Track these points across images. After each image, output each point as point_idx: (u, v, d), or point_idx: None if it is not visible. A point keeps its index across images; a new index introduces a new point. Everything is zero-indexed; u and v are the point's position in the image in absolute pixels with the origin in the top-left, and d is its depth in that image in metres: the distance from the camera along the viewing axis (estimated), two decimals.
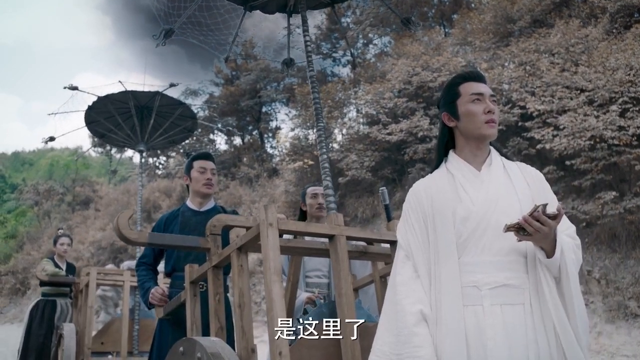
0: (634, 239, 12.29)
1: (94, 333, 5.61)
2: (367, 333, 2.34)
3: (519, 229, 1.76)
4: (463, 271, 1.84)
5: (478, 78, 2.07)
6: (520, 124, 14.22)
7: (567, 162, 12.84)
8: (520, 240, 1.80)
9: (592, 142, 12.26)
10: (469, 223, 1.87)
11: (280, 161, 26.57)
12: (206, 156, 3.75)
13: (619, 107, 12.43)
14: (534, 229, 1.72)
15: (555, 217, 1.74)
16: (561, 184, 13.51)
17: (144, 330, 5.30)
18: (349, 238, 2.27)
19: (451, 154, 2.07)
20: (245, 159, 29.78)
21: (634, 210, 11.75)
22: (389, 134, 17.50)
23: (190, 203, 3.70)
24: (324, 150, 2.60)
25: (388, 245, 2.53)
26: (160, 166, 35.73)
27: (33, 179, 47.26)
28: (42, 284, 6.28)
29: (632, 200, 11.84)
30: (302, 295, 3.46)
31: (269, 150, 31.79)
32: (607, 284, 12.03)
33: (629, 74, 12.83)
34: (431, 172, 2.13)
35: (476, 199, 1.91)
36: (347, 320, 2.12)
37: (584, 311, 1.78)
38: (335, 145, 21.36)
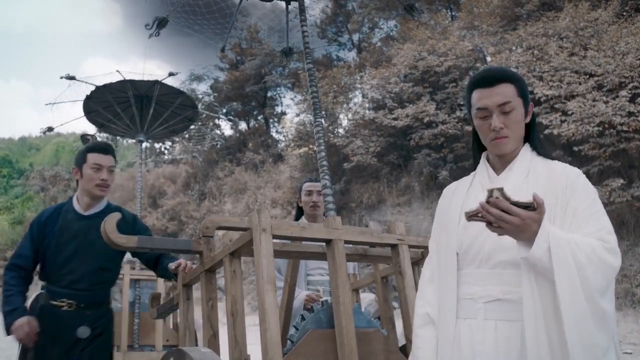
0: None
1: None
2: (367, 339, 2.24)
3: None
4: (462, 282, 1.75)
5: (486, 83, 1.77)
6: None
7: (575, 148, 12.70)
8: (500, 234, 1.56)
9: (600, 128, 12.10)
10: (469, 232, 1.74)
11: (285, 147, 26.46)
12: (104, 149, 3.08)
13: (629, 92, 12.24)
14: (495, 218, 1.49)
15: (535, 208, 1.48)
16: None
17: (144, 323, 5.24)
18: (347, 242, 2.17)
19: (483, 156, 1.92)
20: (250, 145, 29.70)
21: None
22: (394, 119, 17.35)
23: (76, 203, 3.09)
24: (322, 147, 2.47)
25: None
26: (166, 152, 35.70)
27: (40, 164, 47.39)
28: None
29: None
30: (302, 294, 3.36)
31: (275, 136, 31.70)
32: None
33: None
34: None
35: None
36: (344, 329, 2.02)
37: (586, 327, 1.48)
38: (341, 131, 21.24)
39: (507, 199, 1.49)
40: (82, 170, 3.02)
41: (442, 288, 1.80)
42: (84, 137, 3.23)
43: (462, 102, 16.80)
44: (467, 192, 1.87)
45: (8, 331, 2.79)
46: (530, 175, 1.77)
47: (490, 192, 1.50)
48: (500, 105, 1.74)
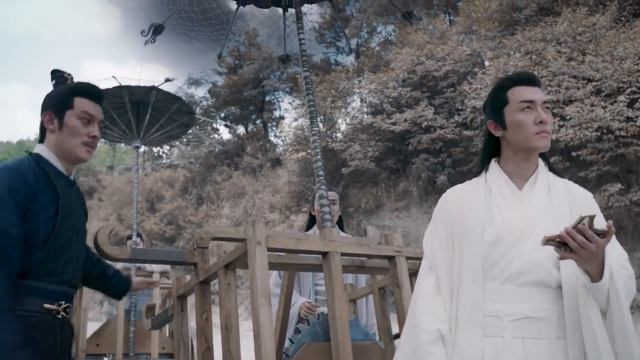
0: None
1: (94, 329, 5.51)
2: (364, 352, 2.21)
3: (561, 243, 1.52)
4: (485, 298, 1.68)
5: (530, 82, 1.81)
6: None
7: (573, 153, 12.70)
8: (561, 258, 1.57)
9: (598, 133, 12.10)
10: (497, 248, 1.69)
11: (283, 151, 26.44)
12: (98, 96, 2.18)
13: (627, 97, 12.24)
14: (577, 244, 1.49)
15: (605, 235, 1.51)
16: (567, 175, 13.21)
17: (140, 331, 5.19)
18: (344, 254, 2.13)
19: (493, 164, 1.86)
20: (248, 149, 29.68)
21: None
22: (393, 123, 17.36)
23: (56, 161, 2.11)
24: (319, 157, 2.44)
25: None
26: (164, 155, 35.64)
27: None
28: None
29: (639, 192, 11.70)
30: (298, 302, 3.33)
31: (273, 140, 31.68)
32: None
33: (638, 64, 12.62)
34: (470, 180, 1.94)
35: (509, 222, 1.71)
36: (341, 344, 1.98)
37: (635, 347, 1.56)
38: (339, 135, 21.22)
39: (591, 226, 1.51)
40: (64, 118, 2.09)
41: (462, 303, 1.70)
42: (58, 74, 2.23)
43: (460, 107, 16.78)
44: (485, 202, 1.79)
45: None
46: (551, 191, 1.77)
47: (582, 219, 1.50)
48: (545, 102, 1.79)
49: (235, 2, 3.37)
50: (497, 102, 1.84)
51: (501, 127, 1.82)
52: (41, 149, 2.12)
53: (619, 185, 11.83)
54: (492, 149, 1.89)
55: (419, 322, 1.73)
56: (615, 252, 1.67)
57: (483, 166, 1.91)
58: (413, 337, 1.73)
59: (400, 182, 18.87)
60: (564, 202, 1.74)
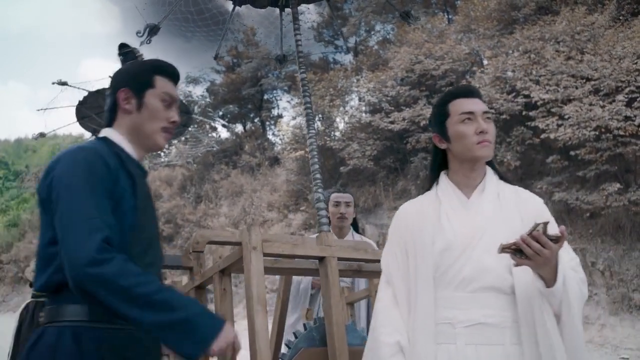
0: (638, 230, 12.16)
1: None
2: (361, 357, 2.19)
3: (516, 251, 1.56)
4: (438, 306, 1.71)
5: (469, 94, 1.87)
6: (524, 113, 14.02)
7: (572, 152, 12.67)
8: (517, 265, 1.60)
9: (597, 133, 12.07)
10: (447, 255, 1.73)
11: (282, 150, 26.39)
12: (177, 76, 1.91)
13: (625, 96, 12.21)
14: (532, 250, 1.52)
15: (557, 240, 1.55)
16: (565, 174, 13.35)
17: None
18: (340, 259, 2.11)
19: (442, 176, 1.92)
20: (246, 147, 29.61)
21: (639, 202, 11.59)
22: (391, 122, 17.32)
23: (127, 146, 1.80)
24: (316, 159, 2.42)
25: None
26: (162, 154, 35.57)
27: (36, 166, 47.20)
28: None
29: (637, 192, 11.69)
30: (307, 278, 3.36)
31: (271, 139, 31.61)
32: (611, 275, 11.94)
33: (636, 63, 12.59)
34: (422, 194, 1.99)
35: (458, 230, 1.75)
36: (337, 350, 1.96)
37: (584, 353, 1.60)
38: (337, 134, 21.18)
39: (545, 232, 1.54)
40: (144, 98, 1.80)
41: (416, 313, 1.73)
42: (127, 49, 1.93)
43: None
44: (434, 214, 1.83)
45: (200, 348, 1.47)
46: (500, 198, 1.81)
47: (536, 225, 1.53)
48: (485, 112, 1.83)
49: (231, 2, 3.35)
50: (439, 116, 1.90)
51: (445, 139, 1.88)
52: (110, 133, 1.81)
53: (618, 185, 11.81)
54: (440, 162, 1.95)
55: (378, 335, 1.77)
56: (568, 256, 1.70)
57: (433, 180, 1.96)
58: (374, 351, 1.77)
59: (398, 181, 18.85)
60: (513, 208, 1.78)
